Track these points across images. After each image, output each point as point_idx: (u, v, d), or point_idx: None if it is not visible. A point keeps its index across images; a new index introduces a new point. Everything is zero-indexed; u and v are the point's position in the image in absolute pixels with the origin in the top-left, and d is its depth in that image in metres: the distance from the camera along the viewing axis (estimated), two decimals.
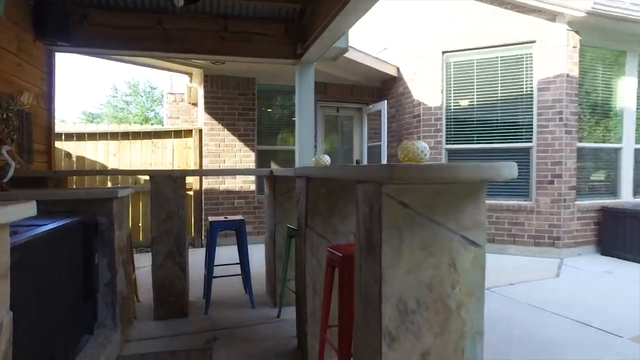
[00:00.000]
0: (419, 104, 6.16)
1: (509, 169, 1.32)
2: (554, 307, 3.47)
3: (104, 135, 6.09)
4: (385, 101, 6.69)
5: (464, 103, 6.01)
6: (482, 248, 1.53)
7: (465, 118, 6.00)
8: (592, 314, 3.29)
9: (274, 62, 5.06)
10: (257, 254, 4.64)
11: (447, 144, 6.04)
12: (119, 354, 2.54)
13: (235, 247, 3.65)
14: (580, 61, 5.51)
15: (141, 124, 21.30)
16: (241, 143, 6.45)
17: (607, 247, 5.46)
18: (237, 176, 6.41)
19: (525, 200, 5.55)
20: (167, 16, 4.54)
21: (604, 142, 5.92)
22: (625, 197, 5.88)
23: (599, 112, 5.92)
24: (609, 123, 5.99)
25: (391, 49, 6.96)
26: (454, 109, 6.03)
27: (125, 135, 6.19)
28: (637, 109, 5.98)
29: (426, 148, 1.68)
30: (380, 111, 6.71)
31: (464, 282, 1.53)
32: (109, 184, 5.94)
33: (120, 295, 2.65)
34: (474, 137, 5.90)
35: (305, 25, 4.75)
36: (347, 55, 5.65)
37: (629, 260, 5.15)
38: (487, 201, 5.67)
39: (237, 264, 3.76)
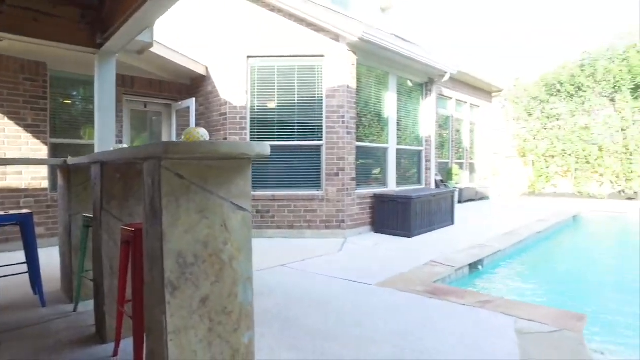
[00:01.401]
0: (226, 103, 6.56)
1: (261, 147, 1.79)
2: (332, 272, 4.30)
3: None
4: (194, 99, 6.88)
5: (267, 104, 6.68)
6: (249, 212, 1.98)
7: (267, 118, 6.66)
8: (357, 273, 4.22)
9: (68, 49, 4.70)
10: (50, 255, 4.28)
11: (251, 141, 6.60)
12: None
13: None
14: (358, 76, 6.77)
15: None
16: (29, 135, 5.72)
17: (378, 226, 6.86)
18: (23, 171, 5.66)
19: (318, 190, 6.52)
20: None
21: (376, 142, 7.40)
22: (391, 186, 7.49)
23: (372, 118, 7.37)
24: (379, 127, 7.52)
25: (201, 47, 7.17)
26: (257, 109, 6.63)
27: None
28: (397, 117, 7.67)
29: (206, 134, 2.05)
30: (189, 108, 6.86)
31: (234, 240, 1.95)
32: None
33: None
34: (275, 135, 6.61)
35: (107, 14, 4.59)
36: (154, 50, 5.63)
37: (392, 234, 6.59)
38: (286, 192, 6.44)
39: (22, 263, 3.46)
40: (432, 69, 8.14)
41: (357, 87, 6.80)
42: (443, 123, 12.02)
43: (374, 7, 10.48)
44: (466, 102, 12.91)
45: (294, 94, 6.61)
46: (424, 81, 8.58)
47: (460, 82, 12.27)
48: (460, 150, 12.94)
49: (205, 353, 1.83)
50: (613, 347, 2.95)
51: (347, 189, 6.47)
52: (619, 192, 13.64)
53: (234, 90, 6.54)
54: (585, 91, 14.04)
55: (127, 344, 2.36)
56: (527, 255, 5.90)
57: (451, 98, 12.04)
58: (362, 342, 2.58)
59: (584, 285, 4.81)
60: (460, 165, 12.68)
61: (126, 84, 6.64)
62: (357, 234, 6.66)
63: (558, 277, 5.27)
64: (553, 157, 14.79)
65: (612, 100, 13.73)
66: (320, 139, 6.53)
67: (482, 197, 13.14)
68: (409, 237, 6.35)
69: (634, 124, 13.24)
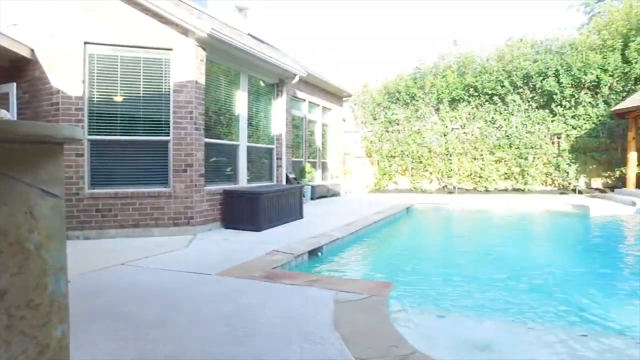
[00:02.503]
0: (58, 92, 5.90)
1: (70, 130, 1.76)
2: (174, 267, 4.26)
3: None
4: (15, 84, 6.00)
5: (109, 96, 6.21)
6: (61, 199, 1.91)
7: (109, 111, 6.20)
8: (200, 266, 4.26)
9: None
10: None
11: (89, 135, 6.07)
12: None
13: None
14: (208, 72, 6.76)
15: None
16: None
17: (229, 222, 6.95)
18: None
19: (165, 187, 6.32)
20: None
21: (227, 139, 7.49)
22: (242, 183, 7.66)
23: (223, 116, 7.43)
24: (230, 125, 7.62)
25: (25, 26, 6.30)
26: (97, 101, 6.12)
27: None
28: (249, 115, 7.88)
29: (7, 114, 1.92)
30: (8, 94, 5.97)
31: (43, 227, 1.84)
32: None
33: None
34: (118, 129, 6.19)
35: None
36: None
37: (242, 229, 6.75)
38: (131, 189, 6.11)
39: None
40: (283, 70, 8.57)
41: (207, 83, 6.79)
42: (298, 124, 12.69)
43: (229, 5, 10.54)
44: (319, 105, 13.84)
45: (140, 87, 6.29)
46: (275, 82, 8.96)
47: (313, 86, 13.10)
48: (313, 149, 13.81)
49: (1, 354, 1.72)
50: (414, 304, 3.62)
51: (196, 185, 6.42)
52: (443, 187, 16.20)
53: (68, 78, 5.91)
54: (417, 100, 16.31)
55: None
56: (363, 241, 6.67)
57: (304, 100, 12.78)
58: (192, 325, 2.67)
59: (404, 262, 5.68)
60: (313, 164, 13.54)
61: None
62: (207, 230, 6.65)
63: (385, 257, 6.11)
64: (394, 157, 16.79)
65: (437, 109, 16.24)
66: (167, 134, 6.33)
67: (334, 194, 14.22)
68: (258, 231, 6.59)
69: (451, 131, 15.88)
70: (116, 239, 5.92)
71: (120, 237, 6.00)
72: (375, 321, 2.67)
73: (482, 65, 15.57)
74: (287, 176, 10.49)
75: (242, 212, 6.83)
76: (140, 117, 6.30)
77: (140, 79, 6.28)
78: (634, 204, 10.30)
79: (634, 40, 13.19)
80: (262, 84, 8.61)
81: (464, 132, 15.75)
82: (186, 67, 6.39)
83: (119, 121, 6.22)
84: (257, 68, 8.12)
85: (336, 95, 15.12)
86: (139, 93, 6.29)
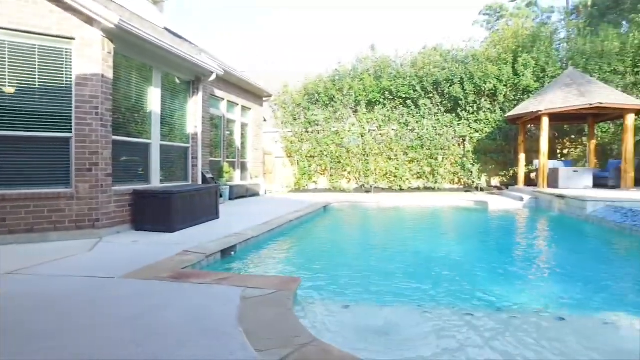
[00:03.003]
0: None
1: None
2: (75, 273, 4.01)
3: None
4: None
5: None
6: None
7: None
8: (104, 270, 4.06)
9: None
10: None
11: None
12: None
13: None
14: (117, 67, 6.40)
15: None
16: None
17: (140, 223, 6.64)
18: None
19: (66, 188, 5.87)
20: None
21: (138, 137, 7.14)
22: (154, 182, 7.36)
23: (134, 112, 7.08)
24: (142, 122, 7.28)
25: None
26: None
27: None
28: (162, 113, 7.59)
29: None
30: None
31: None
32: None
33: None
34: (7, 124, 5.61)
35: None
36: None
37: (154, 231, 6.49)
38: (23, 191, 5.61)
39: None
40: (199, 68, 8.38)
41: (117, 78, 6.43)
42: (217, 123, 12.45)
43: None
44: (238, 104, 13.68)
45: (35, 78, 5.78)
46: (191, 79, 8.73)
47: (233, 85, 12.93)
48: (233, 149, 13.63)
49: None
50: (322, 296, 3.79)
51: (102, 185, 6.05)
52: (361, 186, 16.88)
53: None
54: (336, 102, 16.81)
55: None
56: (278, 240, 6.76)
57: (223, 99, 12.56)
58: (91, 331, 2.57)
59: (317, 258, 5.88)
60: (232, 164, 13.36)
61: None
62: (115, 233, 6.30)
63: (298, 254, 6.27)
64: (314, 157, 17.13)
65: (355, 111, 16.88)
66: (68, 130, 5.89)
67: (254, 194, 14.15)
68: (171, 232, 6.39)
69: (368, 132, 16.61)
70: (7, 246, 5.37)
71: (11, 244, 5.45)
72: (279, 314, 2.78)
73: (396, 70, 16.52)
74: (204, 176, 10.26)
75: (154, 213, 6.57)
76: (35, 112, 5.78)
77: (35, 69, 5.77)
78: (522, 199, 11.63)
79: (520, 56, 14.92)
80: (177, 81, 8.34)
81: (380, 134, 16.58)
82: (91, 59, 5.99)
83: (7, 115, 5.64)
84: (172, 64, 7.85)
85: (256, 95, 15.06)
86: (35, 85, 5.78)
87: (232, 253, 5.36)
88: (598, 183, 12.35)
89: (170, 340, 2.42)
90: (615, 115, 12.41)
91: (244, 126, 14.35)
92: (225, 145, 12.85)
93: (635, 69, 14.38)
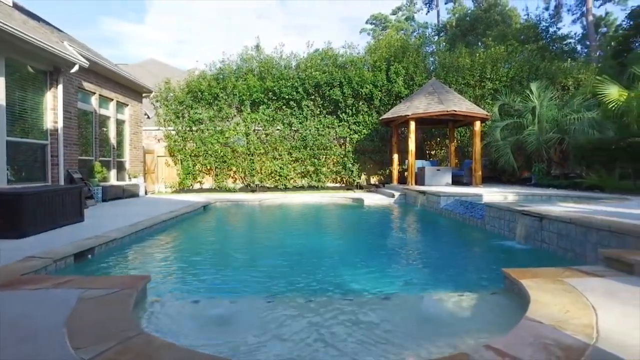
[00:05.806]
0: None
1: None
2: None
3: None
4: None
5: None
6: None
7: None
8: None
9: None
10: None
11: None
12: None
13: None
14: None
15: None
16: None
17: None
18: None
19: None
20: None
21: None
22: (1, 183, 6.59)
23: None
24: None
25: None
26: None
27: None
28: (10, 106, 6.83)
29: None
30: None
31: None
32: None
33: None
34: None
35: None
36: None
37: None
38: None
39: None
40: (57, 57, 7.69)
41: None
42: (89, 119, 11.51)
43: None
44: (112, 99, 12.79)
45: None
46: (48, 69, 7.97)
47: (106, 78, 12.05)
48: (107, 148, 12.70)
49: None
50: (173, 292, 3.84)
51: None
52: (247, 185, 16.93)
53: None
54: (220, 101, 16.62)
55: None
56: (145, 241, 6.53)
57: (94, 93, 11.65)
58: None
59: (179, 256, 5.87)
60: (106, 163, 12.46)
61: None
62: None
63: (160, 254, 5.98)
64: (198, 156, 16.73)
65: (240, 110, 16.88)
66: None
67: (132, 195, 13.35)
68: (22, 237, 5.80)
69: (253, 132, 16.74)
70: None
71: None
72: (115, 313, 2.78)
73: (280, 71, 16.89)
74: (70, 176, 9.45)
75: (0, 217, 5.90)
76: None
77: None
78: (393, 195, 12.81)
79: (393, 65, 16.40)
80: (30, 69, 7.55)
81: (265, 134, 16.84)
82: None
83: None
84: (21, 50, 7.09)
85: (134, 91, 14.22)
86: None
87: (89, 256, 5.09)
88: (456, 180, 14.15)
89: None
90: (467, 121, 14.34)
91: (120, 123, 13.45)
92: (97, 143, 11.93)
93: (482, 83, 16.78)
